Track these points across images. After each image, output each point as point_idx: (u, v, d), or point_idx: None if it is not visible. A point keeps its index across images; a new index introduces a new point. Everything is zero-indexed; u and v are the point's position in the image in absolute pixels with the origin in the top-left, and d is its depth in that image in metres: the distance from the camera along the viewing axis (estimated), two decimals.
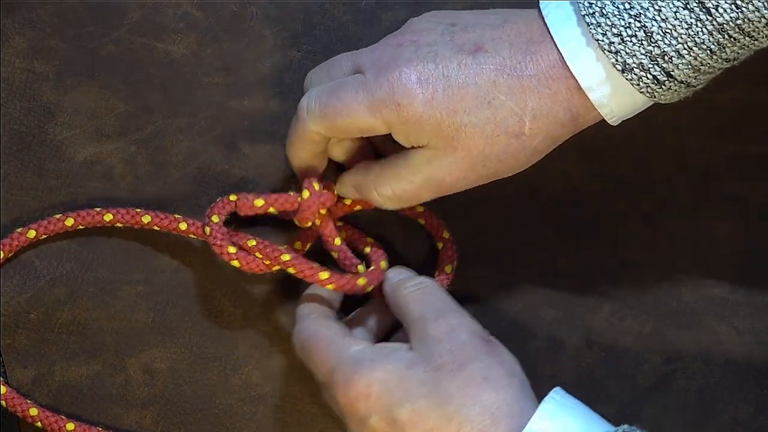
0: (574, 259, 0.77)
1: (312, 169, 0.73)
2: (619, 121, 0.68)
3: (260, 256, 0.73)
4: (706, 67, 0.65)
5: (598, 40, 0.64)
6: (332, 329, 0.70)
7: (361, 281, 0.73)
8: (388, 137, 0.70)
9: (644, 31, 0.64)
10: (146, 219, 0.75)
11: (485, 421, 0.64)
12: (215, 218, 0.73)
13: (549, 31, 0.66)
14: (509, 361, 0.67)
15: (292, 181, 0.77)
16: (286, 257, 0.72)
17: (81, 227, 0.75)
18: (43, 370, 0.76)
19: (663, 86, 0.65)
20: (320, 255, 0.75)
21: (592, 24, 0.65)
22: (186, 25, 0.77)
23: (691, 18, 0.63)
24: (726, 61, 0.65)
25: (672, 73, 0.65)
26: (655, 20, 0.63)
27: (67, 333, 0.76)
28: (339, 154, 0.74)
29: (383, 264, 0.74)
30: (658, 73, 0.65)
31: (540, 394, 0.76)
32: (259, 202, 0.72)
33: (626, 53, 0.64)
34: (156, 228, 0.75)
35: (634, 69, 0.65)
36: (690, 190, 0.77)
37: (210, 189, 0.77)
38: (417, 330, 0.68)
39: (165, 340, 0.77)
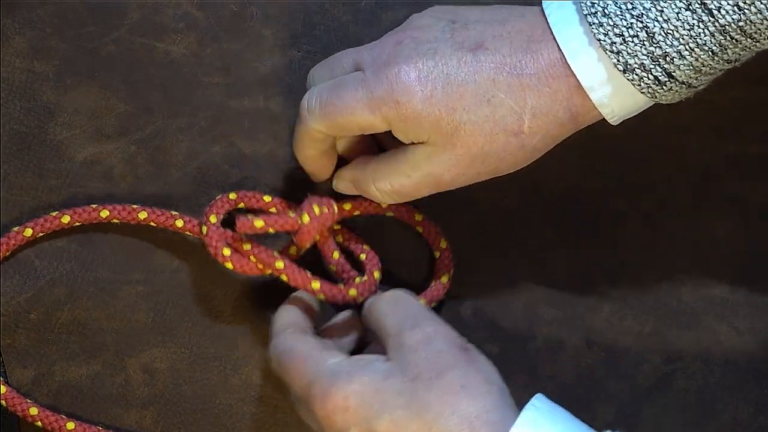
0: (574, 258, 0.77)
1: (320, 167, 0.73)
2: (620, 121, 0.68)
3: (254, 260, 0.73)
4: (708, 68, 0.65)
5: (599, 40, 0.64)
6: (308, 343, 0.69)
7: (352, 292, 0.73)
8: (390, 134, 0.69)
9: (646, 31, 0.64)
10: (143, 215, 0.75)
11: (464, 430, 0.63)
12: (213, 218, 0.73)
13: (551, 30, 0.66)
14: (487, 369, 0.66)
15: (292, 181, 0.77)
16: (279, 264, 0.73)
17: (78, 224, 0.75)
18: (43, 370, 0.77)
19: (664, 87, 0.65)
20: (319, 255, 0.75)
21: (594, 24, 0.65)
22: (186, 25, 0.77)
23: (693, 19, 0.63)
24: (727, 63, 0.65)
25: (673, 73, 0.65)
26: (657, 21, 0.63)
27: (67, 333, 0.76)
28: (342, 148, 0.74)
29: (377, 274, 0.74)
30: (660, 74, 0.65)
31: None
32: (259, 223, 0.72)
33: (628, 53, 0.64)
34: (152, 224, 0.75)
35: (636, 69, 0.65)
36: (690, 190, 0.77)
37: (210, 189, 0.77)
38: (393, 340, 0.67)
39: (165, 340, 0.77)
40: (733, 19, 0.62)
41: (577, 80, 0.66)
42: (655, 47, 0.64)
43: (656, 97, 0.66)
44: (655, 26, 0.63)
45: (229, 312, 0.77)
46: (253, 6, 0.77)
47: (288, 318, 0.72)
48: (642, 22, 0.64)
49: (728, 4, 0.62)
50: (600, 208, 0.77)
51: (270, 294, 0.76)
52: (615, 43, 0.64)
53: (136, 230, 0.76)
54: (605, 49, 0.64)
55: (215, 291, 0.77)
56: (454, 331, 0.68)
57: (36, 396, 0.76)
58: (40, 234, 0.75)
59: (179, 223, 0.75)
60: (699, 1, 0.62)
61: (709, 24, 0.63)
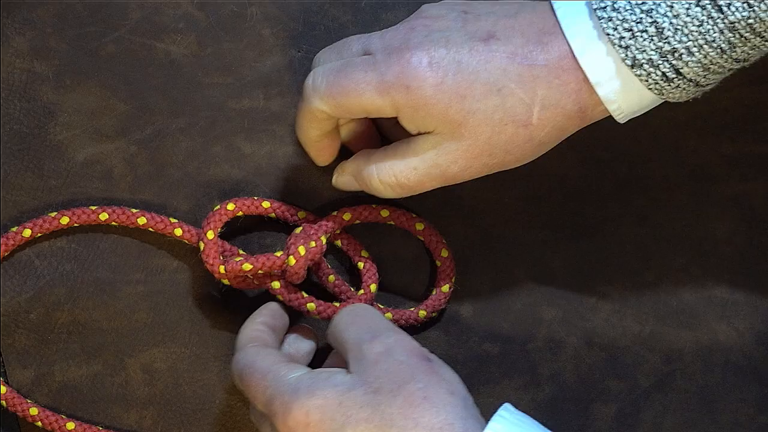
0: (574, 259, 0.77)
1: (323, 150, 0.72)
2: (627, 119, 0.68)
3: (251, 277, 0.74)
4: (716, 66, 0.64)
5: (608, 34, 0.64)
6: (269, 358, 0.68)
7: None
8: (395, 124, 0.69)
9: (655, 26, 0.63)
10: (142, 221, 0.75)
11: None
12: (210, 234, 0.73)
13: (559, 24, 0.66)
14: (450, 379, 0.65)
15: (293, 181, 0.77)
16: (276, 285, 0.74)
17: (76, 225, 0.75)
18: (43, 370, 0.76)
19: (672, 83, 0.65)
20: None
21: (603, 18, 0.64)
22: (186, 25, 0.77)
23: (702, 15, 0.63)
24: (736, 62, 0.65)
25: (681, 70, 0.64)
26: (667, 16, 0.63)
27: (67, 333, 0.76)
28: (344, 135, 0.73)
29: (373, 288, 0.75)
30: (668, 70, 0.64)
31: (540, 395, 0.76)
32: (247, 267, 0.73)
33: (636, 48, 0.64)
34: (151, 230, 0.75)
35: (644, 65, 0.64)
36: (690, 190, 0.77)
37: (210, 189, 0.77)
38: (353, 353, 0.66)
39: (165, 340, 0.77)
40: (742, 15, 0.62)
41: (585, 74, 0.65)
42: (664, 43, 0.64)
43: (663, 94, 0.66)
44: (664, 21, 0.63)
45: (229, 312, 0.77)
46: (253, 6, 0.77)
47: (250, 333, 0.71)
48: (651, 17, 0.63)
49: (738, 1, 0.62)
50: (600, 208, 0.77)
51: (270, 294, 0.76)
52: (624, 37, 0.64)
53: (135, 230, 0.76)
54: (614, 44, 0.64)
55: (215, 291, 0.77)
56: (414, 341, 0.67)
57: (36, 396, 0.76)
58: (39, 234, 0.75)
59: (178, 232, 0.75)
60: None
61: (718, 20, 0.63)
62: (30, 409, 0.75)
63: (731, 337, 0.77)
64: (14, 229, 0.75)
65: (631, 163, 0.77)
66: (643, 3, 0.64)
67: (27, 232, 0.75)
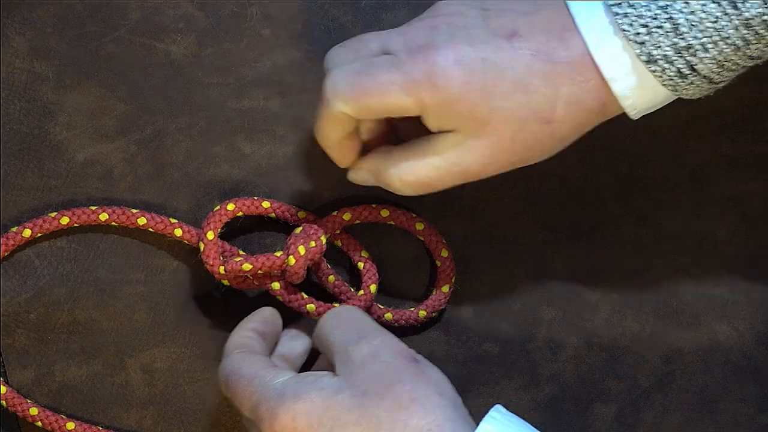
0: (574, 259, 0.77)
1: (344, 151, 0.71)
2: (640, 116, 0.67)
3: (251, 278, 0.74)
4: (730, 63, 0.65)
5: (624, 30, 0.64)
6: (255, 364, 0.67)
7: None
8: (410, 121, 0.69)
9: (671, 22, 0.63)
10: (142, 221, 0.75)
11: None
12: (210, 234, 0.73)
13: (575, 21, 0.66)
14: (438, 380, 0.65)
15: (293, 181, 0.77)
16: (276, 285, 0.74)
17: (76, 225, 0.75)
18: (43, 370, 0.76)
19: (686, 80, 0.65)
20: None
21: (619, 14, 0.64)
22: (186, 25, 0.77)
23: (718, 12, 0.63)
24: (750, 59, 0.65)
25: (696, 67, 0.64)
26: (682, 12, 0.63)
27: (67, 333, 0.76)
28: (362, 133, 0.72)
29: (373, 288, 0.75)
30: (683, 66, 0.64)
31: (540, 395, 0.76)
32: (247, 267, 0.73)
33: (652, 44, 0.64)
34: (151, 230, 0.75)
35: (659, 60, 0.64)
36: (690, 190, 0.77)
37: (209, 189, 0.77)
38: (339, 356, 0.66)
39: (165, 340, 0.77)
40: (757, 12, 0.62)
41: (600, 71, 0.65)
42: (680, 39, 0.64)
43: (677, 91, 0.66)
44: (680, 17, 0.63)
45: (229, 312, 0.77)
46: (253, 6, 0.77)
47: (238, 339, 0.71)
48: (667, 12, 0.63)
49: None
50: (600, 208, 0.77)
51: (270, 294, 0.76)
52: (639, 33, 0.64)
53: (135, 231, 0.76)
54: (629, 40, 0.64)
55: (215, 291, 0.77)
56: (401, 342, 0.67)
57: (36, 396, 0.76)
58: (39, 234, 0.75)
59: (178, 233, 0.75)
60: None
61: (733, 17, 0.63)
62: (30, 409, 0.75)
63: (731, 337, 0.77)
64: (14, 229, 0.75)
65: (631, 163, 0.77)
66: None
67: (27, 232, 0.75)
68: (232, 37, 0.77)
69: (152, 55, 0.77)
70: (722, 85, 0.66)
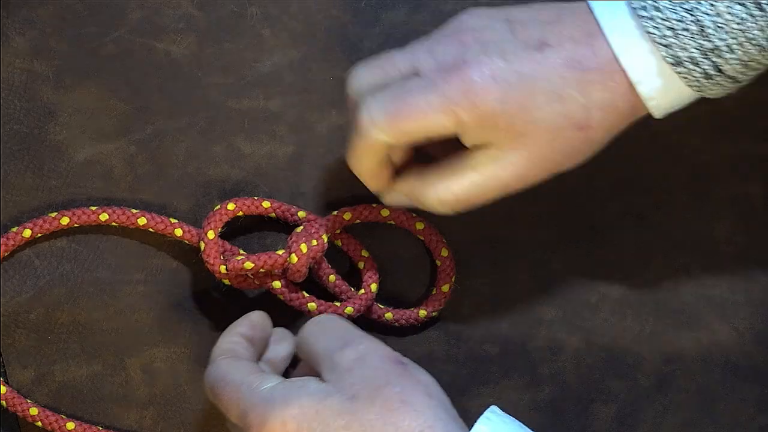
0: (574, 259, 0.77)
1: (380, 177, 0.70)
2: (663, 114, 0.68)
3: (252, 277, 0.73)
4: (755, 63, 0.65)
5: (650, 33, 0.64)
6: (242, 370, 0.67)
7: (349, 310, 0.73)
8: (442, 141, 0.68)
9: (697, 24, 0.64)
10: (142, 221, 0.75)
11: None
12: (210, 234, 0.73)
13: (600, 25, 0.66)
14: (426, 382, 0.65)
15: (292, 181, 0.77)
16: (276, 284, 0.74)
17: (76, 225, 0.75)
18: (43, 370, 0.76)
19: (711, 80, 0.65)
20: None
21: (644, 17, 0.64)
22: (186, 25, 0.77)
23: (743, 13, 0.63)
24: None
25: (722, 67, 0.65)
26: (708, 14, 0.63)
27: (67, 333, 0.76)
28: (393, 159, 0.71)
29: (374, 287, 0.75)
30: (709, 67, 0.65)
31: (540, 395, 0.76)
32: (249, 265, 0.73)
33: (678, 47, 0.64)
34: (151, 230, 0.75)
35: (685, 62, 0.65)
36: (690, 190, 0.77)
37: (210, 189, 0.77)
38: (326, 363, 0.65)
39: (165, 340, 0.77)
40: None
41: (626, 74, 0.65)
42: (706, 40, 0.64)
43: (702, 91, 0.66)
44: (706, 19, 0.63)
45: (229, 312, 0.77)
46: (253, 6, 0.77)
47: (225, 345, 0.70)
48: (693, 14, 0.64)
49: None
50: (599, 208, 0.77)
51: (270, 294, 0.76)
52: (666, 36, 0.64)
53: (136, 231, 0.76)
54: (656, 42, 0.64)
55: (215, 291, 0.77)
56: (387, 346, 0.66)
57: (36, 396, 0.76)
58: (39, 234, 0.75)
59: (178, 233, 0.75)
60: None
61: (759, 18, 0.63)
62: (30, 409, 0.75)
63: (731, 337, 0.77)
64: (14, 229, 0.75)
65: (631, 163, 0.77)
66: (684, 2, 0.64)
67: (27, 232, 0.75)
68: (232, 37, 0.77)
69: (152, 55, 0.77)
70: (745, 83, 0.67)
